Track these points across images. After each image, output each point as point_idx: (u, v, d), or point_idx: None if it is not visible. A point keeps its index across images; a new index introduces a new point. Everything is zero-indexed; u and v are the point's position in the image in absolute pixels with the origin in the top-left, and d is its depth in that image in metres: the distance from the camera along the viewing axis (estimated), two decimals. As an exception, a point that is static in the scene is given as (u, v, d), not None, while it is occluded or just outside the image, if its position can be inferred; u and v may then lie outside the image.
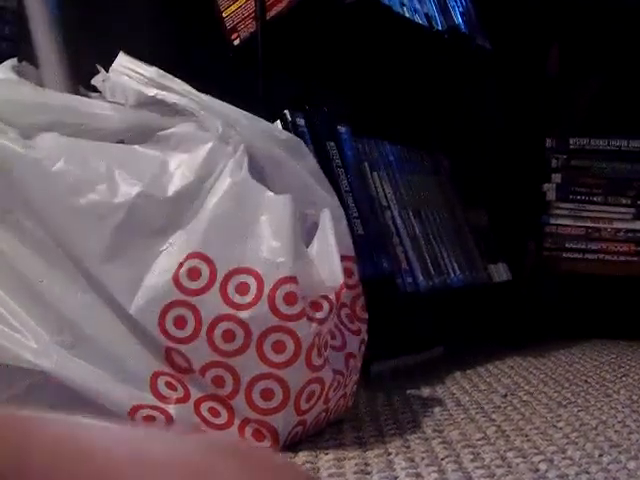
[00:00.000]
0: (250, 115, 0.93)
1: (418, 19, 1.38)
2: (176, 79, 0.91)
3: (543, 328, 1.77)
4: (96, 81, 0.97)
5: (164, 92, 0.90)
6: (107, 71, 0.95)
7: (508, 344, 1.62)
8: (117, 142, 0.88)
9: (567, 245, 1.77)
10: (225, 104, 0.92)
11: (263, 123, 0.96)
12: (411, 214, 1.39)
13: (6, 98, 0.88)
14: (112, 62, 0.94)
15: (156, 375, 0.81)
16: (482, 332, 1.68)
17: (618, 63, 1.84)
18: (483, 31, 1.61)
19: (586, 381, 1.31)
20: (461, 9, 1.55)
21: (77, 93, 0.98)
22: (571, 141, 1.79)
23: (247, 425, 0.82)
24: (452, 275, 1.43)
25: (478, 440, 0.91)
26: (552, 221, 1.78)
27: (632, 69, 1.83)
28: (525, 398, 1.15)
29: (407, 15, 1.34)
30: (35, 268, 0.82)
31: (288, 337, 0.80)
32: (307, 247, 0.87)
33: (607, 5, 1.76)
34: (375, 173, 1.34)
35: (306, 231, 0.89)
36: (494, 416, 1.03)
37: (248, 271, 0.80)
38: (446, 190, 1.57)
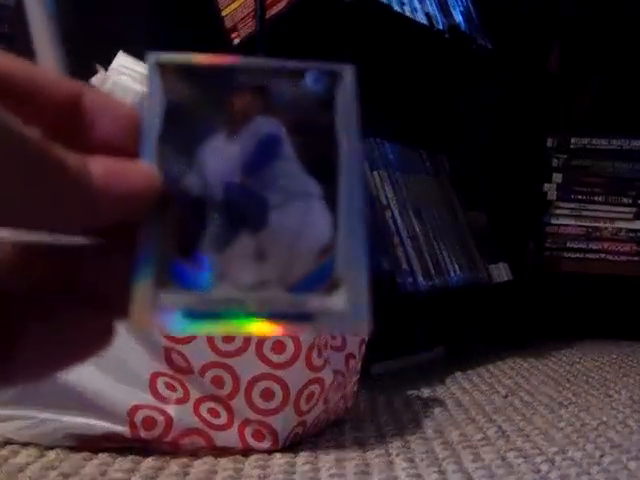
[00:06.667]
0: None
1: (418, 18, 1.37)
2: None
3: (544, 328, 1.77)
4: (96, 81, 0.96)
5: (163, 91, 0.90)
6: (107, 71, 0.95)
7: (508, 344, 1.62)
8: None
9: (568, 245, 1.77)
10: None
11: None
12: (411, 214, 1.39)
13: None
14: (112, 62, 0.94)
15: (155, 376, 0.81)
16: (482, 332, 1.68)
17: (619, 62, 1.83)
18: (484, 30, 1.61)
19: (587, 381, 1.30)
20: (461, 8, 1.55)
21: (76, 92, 0.97)
22: (572, 141, 1.78)
23: (247, 426, 0.81)
24: (452, 275, 1.43)
25: (479, 441, 0.90)
26: (553, 221, 1.78)
27: (633, 68, 1.83)
28: (526, 398, 1.15)
29: (407, 14, 1.34)
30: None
31: (288, 337, 0.80)
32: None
33: (608, 4, 1.76)
34: (375, 172, 1.33)
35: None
36: (495, 416, 1.03)
37: (248, 271, 0.80)
38: (446, 190, 1.57)
